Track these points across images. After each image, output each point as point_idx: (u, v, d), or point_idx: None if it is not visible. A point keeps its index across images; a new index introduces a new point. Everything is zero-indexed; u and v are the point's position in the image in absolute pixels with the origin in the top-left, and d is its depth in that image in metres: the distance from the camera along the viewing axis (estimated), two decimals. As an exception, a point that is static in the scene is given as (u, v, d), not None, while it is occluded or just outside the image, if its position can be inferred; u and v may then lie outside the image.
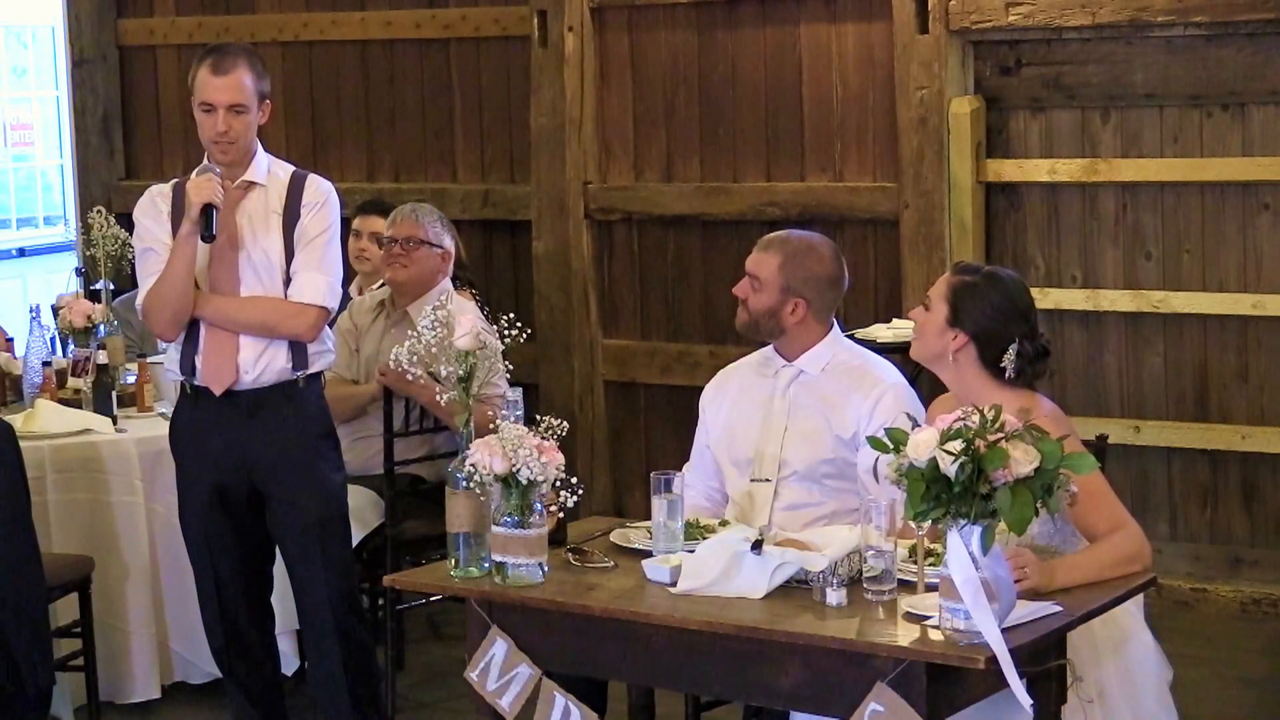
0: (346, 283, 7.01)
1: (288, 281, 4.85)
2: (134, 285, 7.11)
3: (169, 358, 4.97)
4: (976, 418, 3.41)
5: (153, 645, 5.72)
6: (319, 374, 4.99)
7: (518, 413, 3.99)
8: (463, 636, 4.09)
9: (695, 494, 4.57)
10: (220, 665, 5.10)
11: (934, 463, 3.38)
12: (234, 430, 4.85)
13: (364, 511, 5.75)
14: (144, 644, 5.70)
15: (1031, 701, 3.49)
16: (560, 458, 3.88)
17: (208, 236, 4.74)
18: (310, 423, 4.93)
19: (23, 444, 5.22)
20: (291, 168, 4.97)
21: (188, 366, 4.87)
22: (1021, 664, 3.44)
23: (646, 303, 7.56)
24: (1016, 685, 3.39)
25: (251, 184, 4.87)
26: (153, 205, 4.92)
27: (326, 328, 4.95)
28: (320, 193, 4.90)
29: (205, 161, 4.88)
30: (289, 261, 4.85)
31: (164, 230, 4.86)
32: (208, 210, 4.72)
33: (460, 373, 4.14)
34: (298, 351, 4.86)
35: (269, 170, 4.91)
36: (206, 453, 4.89)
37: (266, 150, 4.95)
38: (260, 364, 4.83)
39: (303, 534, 4.90)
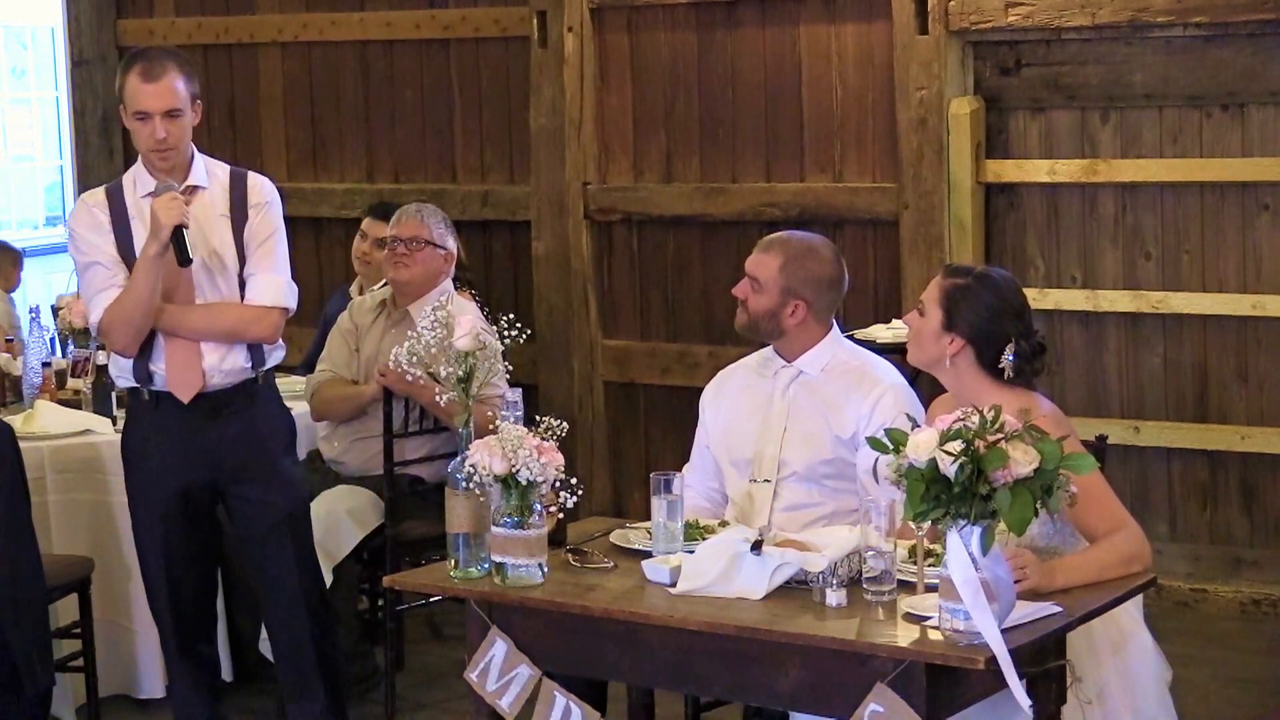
0: (346, 282, 7.05)
1: (241, 283, 4.83)
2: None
3: (118, 366, 4.89)
4: (976, 418, 3.42)
5: (156, 643, 5.71)
6: (272, 369, 4.98)
7: (517, 413, 3.99)
8: (462, 637, 4.09)
9: (695, 495, 4.57)
10: (171, 667, 5.07)
11: (933, 463, 3.38)
12: (199, 433, 4.83)
13: (364, 512, 5.76)
14: (147, 642, 5.70)
15: (1030, 703, 3.49)
16: (560, 458, 3.89)
17: (185, 260, 4.68)
18: (272, 419, 4.95)
19: (22, 445, 5.21)
20: (227, 166, 4.93)
21: (143, 375, 4.83)
22: (1021, 665, 3.44)
23: (646, 303, 7.56)
24: (1016, 686, 3.39)
25: (194, 188, 4.83)
26: (90, 216, 4.84)
27: None
28: (265, 192, 4.89)
29: (139, 165, 4.83)
30: (242, 264, 4.83)
31: (108, 242, 4.80)
32: (178, 232, 4.65)
33: (460, 373, 4.14)
34: (255, 350, 4.86)
35: (207, 171, 4.88)
36: (171, 458, 4.84)
37: (201, 150, 4.89)
38: (224, 367, 4.83)
39: (272, 530, 4.90)
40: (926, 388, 4.91)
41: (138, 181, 4.85)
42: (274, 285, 4.84)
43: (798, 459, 4.47)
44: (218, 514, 5.02)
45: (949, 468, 3.36)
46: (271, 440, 4.93)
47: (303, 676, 5.01)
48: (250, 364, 4.86)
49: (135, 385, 4.87)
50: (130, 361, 4.83)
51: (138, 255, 4.74)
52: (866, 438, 3.72)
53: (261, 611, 5.20)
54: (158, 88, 4.73)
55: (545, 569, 3.92)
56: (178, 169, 4.81)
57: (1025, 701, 3.45)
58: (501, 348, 4.35)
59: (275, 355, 4.95)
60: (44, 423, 5.73)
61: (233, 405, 4.85)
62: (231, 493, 4.91)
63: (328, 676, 5.02)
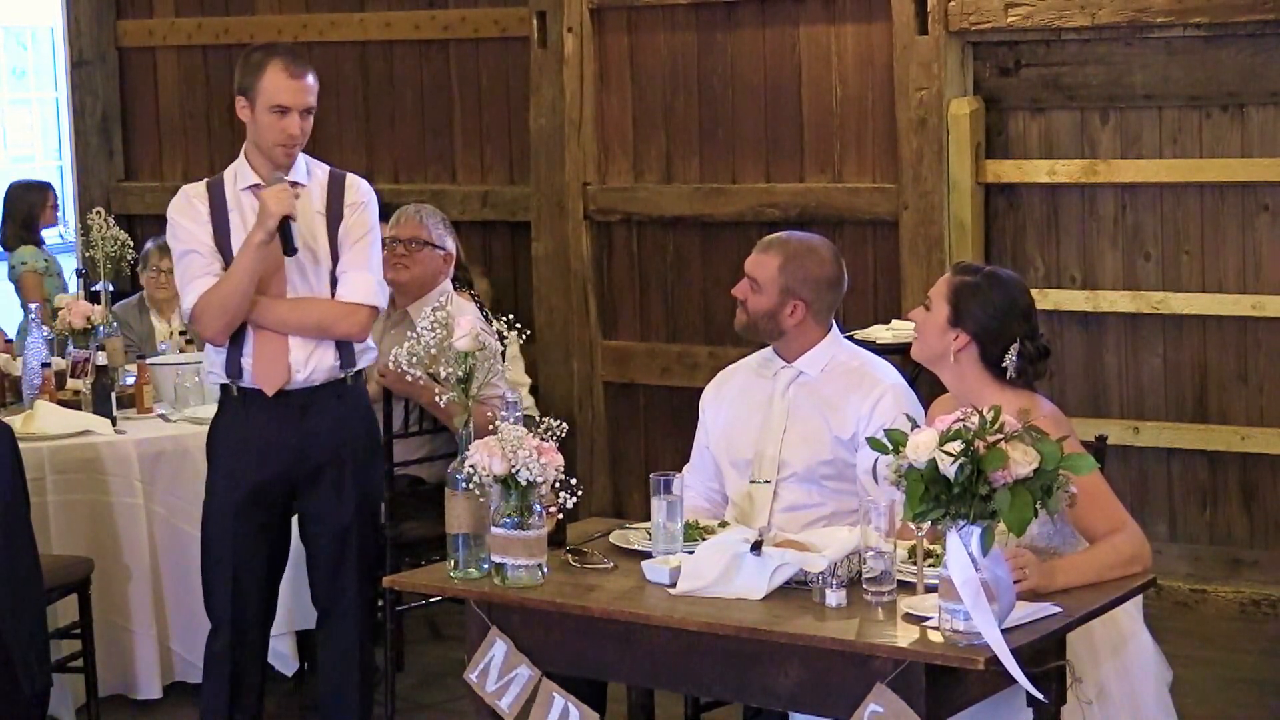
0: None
1: (333, 281, 4.83)
2: (134, 288, 7.17)
3: (210, 361, 4.91)
4: (976, 419, 3.41)
5: (155, 645, 5.73)
6: (361, 371, 4.96)
7: (517, 414, 3.99)
8: (462, 638, 4.08)
9: (695, 495, 4.56)
10: (211, 663, 4.97)
11: (933, 463, 3.38)
12: (285, 430, 4.82)
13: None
14: (146, 643, 5.70)
15: (1041, 694, 3.47)
16: (559, 459, 3.88)
17: (291, 250, 4.71)
18: (359, 421, 4.94)
19: (22, 445, 5.20)
20: (327, 166, 4.95)
21: (234, 369, 4.83)
22: (1021, 665, 3.44)
23: (646, 304, 7.56)
24: (1024, 681, 3.38)
25: (296, 184, 4.83)
26: (190, 206, 4.86)
27: None
28: (362, 192, 4.90)
29: (241, 160, 4.84)
30: (334, 262, 4.84)
31: (205, 232, 4.82)
32: (285, 223, 4.68)
33: (459, 374, 4.14)
34: (345, 350, 4.85)
35: (308, 170, 4.89)
36: (252, 454, 4.84)
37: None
38: (311, 363, 4.81)
39: (341, 534, 4.89)
40: (926, 388, 4.91)
41: (239, 175, 4.85)
42: (364, 283, 4.83)
43: (797, 459, 4.47)
44: (289, 524, 4.99)
45: (948, 468, 3.36)
46: (356, 443, 4.91)
47: (344, 692, 4.96)
48: (339, 363, 4.84)
49: (225, 382, 4.87)
50: (223, 357, 4.84)
51: (234, 248, 4.76)
52: (866, 438, 3.71)
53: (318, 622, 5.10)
54: (303, 85, 4.76)
55: (545, 569, 3.92)
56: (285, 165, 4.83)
57: (1037, 694, 3.43)
58: (500, 349, 4.35)
59: (366, 356, 4.93)
60: (43, 424, 5.73)
61: (319, 405, 4.84)
62: (305, 495, 4.89)
63: (365, 699, 5.00)
